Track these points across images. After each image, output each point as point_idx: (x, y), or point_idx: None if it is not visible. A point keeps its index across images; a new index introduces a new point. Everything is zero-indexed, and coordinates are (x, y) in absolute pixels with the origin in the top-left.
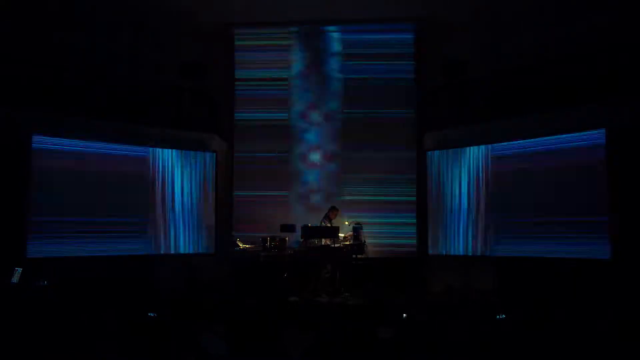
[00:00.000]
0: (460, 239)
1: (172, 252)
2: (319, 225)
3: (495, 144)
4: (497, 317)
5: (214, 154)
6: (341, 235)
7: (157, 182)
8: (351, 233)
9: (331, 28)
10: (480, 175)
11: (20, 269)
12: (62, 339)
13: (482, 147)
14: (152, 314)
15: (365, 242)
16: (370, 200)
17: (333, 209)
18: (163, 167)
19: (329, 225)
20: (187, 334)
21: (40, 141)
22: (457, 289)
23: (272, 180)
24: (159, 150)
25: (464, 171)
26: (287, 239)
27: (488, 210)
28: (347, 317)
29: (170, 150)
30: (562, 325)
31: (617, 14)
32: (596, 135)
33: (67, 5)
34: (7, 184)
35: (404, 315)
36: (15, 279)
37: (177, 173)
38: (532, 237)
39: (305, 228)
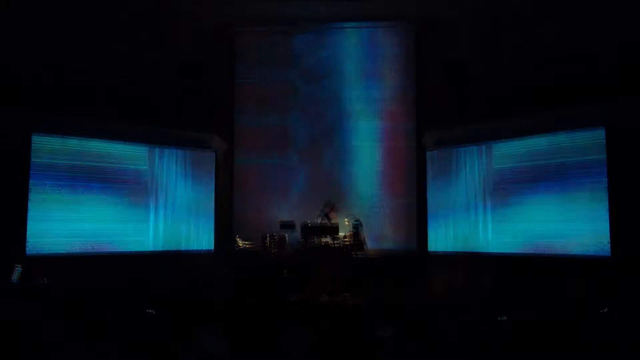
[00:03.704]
0: (460, 237)
1: (172, 250)
2: (315, 221)
3: (494, 143)
4: (499, 318)
5: (214, 152)
6: (341, 234)
7: (157, 181)
8: (350, 232)
9: (330, 26)
10: (480, 173)
11: (20, 267)
12: (61, 338)
13: (482, 145)
14: (150, 311)
15: (365, 240)
16: (370, 198)
17: (329, 204)
18: (163, 166)
19: (325, 221)
20: (186, 334)
21: (40, 140)
22: (456, 287)
23: (272, 178)
24: (158, 149)
25: (464, 169)
26: (286, 236)
27: (488, 209)
28: (347, 316)
29: (170, 149)
30: (562, 325)
31: (617, 13)
32: (596, 134)
33: (67, 5)
34: (7, 183)
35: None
36: (15, 277)
37: (177, 172)
38: (532, 235)
39: (304, 226)
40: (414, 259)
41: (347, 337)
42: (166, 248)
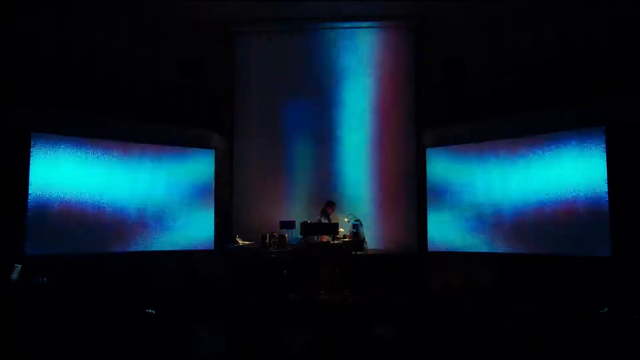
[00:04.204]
0: (459, 236)
1: (172, 249)
2: (315, 220)
3: (493, 141)
4: (499, 318)
5: (214, 150)
6: (341, 233)
7: (156, 179)
8: (350, 232)
9: (330, 25)
10: (479, 172)
11: (19, 266)
12: (60, 337)
13: (481, 143)
14: (150, 311)
15: (364, 239)
16: (370, 197)
17: (330, 204)
18: (162, 164)
19: (326, 221)
20: (186, 333)
21: (39, 138)
22: (456, 286)
23: (272, 176)
24: (158, 147)
25: (463, 168)
26: (286, 235)
27: (487, 207)
28: (347, 315)
29: (169, 146)
30: (562, 325)
31: (616, 13)
32: (595, 133)
33: (67, 3)
34: (6, 181)
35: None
36: (14, 275)
37: (177, 170)
38: (532, 233)
39: (304, 225)
40: (413, 258)
41: (347, 336)
42: (166, 247)
